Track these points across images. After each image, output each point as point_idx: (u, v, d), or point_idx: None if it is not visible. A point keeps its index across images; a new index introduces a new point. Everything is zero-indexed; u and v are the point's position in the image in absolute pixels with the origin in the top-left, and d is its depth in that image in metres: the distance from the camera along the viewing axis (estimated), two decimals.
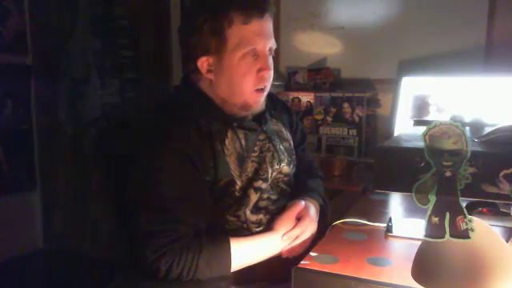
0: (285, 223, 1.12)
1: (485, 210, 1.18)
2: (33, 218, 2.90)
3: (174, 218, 1.01)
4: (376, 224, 1.13)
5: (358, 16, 2.29)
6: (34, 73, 2.83)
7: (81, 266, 2.63)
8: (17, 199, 2.81)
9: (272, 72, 1.13)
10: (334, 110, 2.28)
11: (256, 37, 1.07)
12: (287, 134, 1.29)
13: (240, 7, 1.04)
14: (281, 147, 1.21)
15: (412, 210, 1.24)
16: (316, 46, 2.39)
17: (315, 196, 1.23)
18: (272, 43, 1.11)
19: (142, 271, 1.02)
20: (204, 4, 1.10)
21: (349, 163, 2.15)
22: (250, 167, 1.12)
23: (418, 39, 2.17)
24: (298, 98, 2.36)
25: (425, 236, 0.77)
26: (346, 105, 2.25)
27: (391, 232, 1.07)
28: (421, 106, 2.00)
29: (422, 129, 0.76)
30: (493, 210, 1.18)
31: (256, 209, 1.12)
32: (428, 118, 1.92)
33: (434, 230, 0.76)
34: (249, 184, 1.11)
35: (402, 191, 1.07)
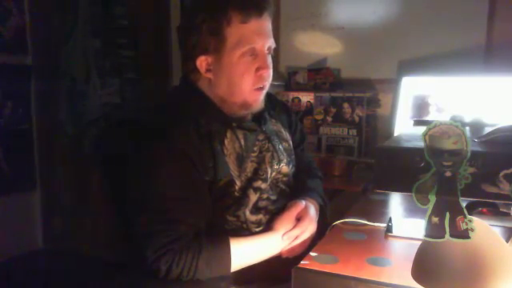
0: (285, 223, 1.12)
1: (485, 209, 1.18)
2: (33, 218, 2.90)
3: (174, 218, 1.01)
4: (376, 224, 1.13)
5: (358, 16, 2.29)
6: (34, 73, 2.83)
7: (81, 265, 2.63)
8: (17, 199, 2.81)
9: (271, 71, 1.13)
10: (333, 110, 2.28)
11: (255, 36, 1.07)
12: (286, 135, 1.29)
13: (238, 6, 1.04)
14: (280, 147, 1.21)
15: (412, 210, 1.24)
16: (316, 46, 2.39)
17: (315, 196, 1.23)
18: (271, 42, 1.11)
19: (141, 271, 1.02)
20: (203, 3, 1.10)
21: (349, 163, 2.15)
22: (250, 167, 1.12)
23: (418, 39, 2.17)
24: (297, 97, 2.36)
25: (425, 236, 0.77)
26: (346, 105, 2.25)
27: (391, 232, 1.07)
28: (421, 106, 2.00)
29: (422, 129, 0.76)
30: (493, 210, 1.18)
31: (255, 209, 1.12)
32: (428, 118, 1.92)
33: (434, 230, 0.76)
34: (248, 184, 1.11)
35: (402, 191, 1.08)
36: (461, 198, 0.75)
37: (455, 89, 1.93)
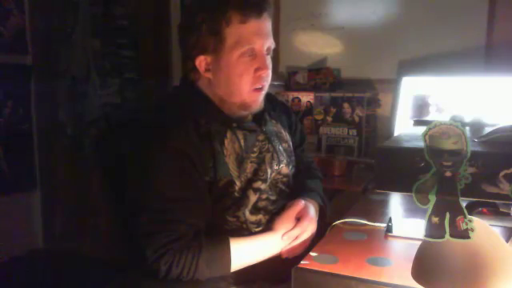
0: (285, 223, 1.12)
1: (485, 209, 1.18)
2: (33, 218, 2.90)
3: (174, 218, 1.01)
4: (376, 224, 1.13)
5: (358, 16, 2.29)
6: (34, 73, 2.83)
7: (81, 265, 2.63)
8: (17, 199, 2.80)
9: (270, 71, 1.12)
10: (333, 110, 2.28)
11: (254, 36, 1.07)
12: (286, 135, 1.28)
13: (238, 7, 1.04)
14: (280, 148, 1.21)
15: (412, 210, 1.24)
16: (316, 45, 2.39)
17: (314, 196, 1.23)
18: (270, 43, 1.11)
19: (142, 271, 1.02)
20: (202, 3, 1.10)
21: (349, 163, 2.15)
22: (249, 168, 1.12)
23: (417, 39, 2.17)
24: (297, 97, 2.35)
25: (425, 236, 0.77)
26: (346, 105, 2.25)
27: (391, 232, 1.07)
28: (421, 106, 1.99)
29: (422, 129, 0.76)
30: (493, 210, 1.18)
31: (255, 209, 1.12)
32: (428, 118, 1.92)
33: (434, 230, 0.76)
34: (248, 185, 1.11)
35: (402, 191, 1.08)
36: (461, 198, 0.75)
37: (455, 89, 1.93)
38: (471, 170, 0.74)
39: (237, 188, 1.09)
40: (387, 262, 0.92)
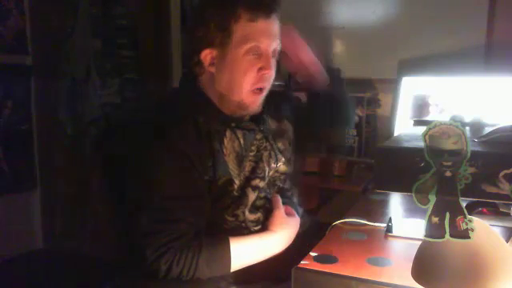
0: (279, 222, 1.13)
1: (485, 209, 1.18)
2: (33, 218, 2.90)
3: (174, 218, 1.01)
4: (376, 224, 1.13)
5: (358, 16, 2.29)
6: (34, 73, 2.82)
7: (81, 265, 2.63)
8: (17, 199, 2.80)
9: (273, 73, 1.13)
10: None
11: (261, 35, 1.07)
12: (288, 133, 1.29)
13: (248, 5, 1.06)
14: (278, 146, 1.22)
15: (412, 210, 1.24)
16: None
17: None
18: (276, 44, 1.12)
19: (142, 271, 1.02)
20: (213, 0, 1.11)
21: (349, 163, 2.15)
22: (248, 166, 1.12)
23: (417, 39, 2.17)
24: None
25: (425, 236, 0.77)
26: None
27: (391, 232, 1.07)
28: (421, 106, 1.99)
29: (422, 129, 0.76)
30: (493, 210, 1.18)
31: (253, 208, 1.12)
32: (428, 118, 1.92)
33: (434, 230, 0.76)
34: (246, 183, 1.11)
35: (402, 191, 1.07)
36: (461, 198, 0.75)
37: (455, 89, 1.93)
38: (471, 169, 0.74)
39: (236, 187, 1.09)
40: (387, 262, 0.92)
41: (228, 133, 1.11)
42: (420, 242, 0.82)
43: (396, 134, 1.91)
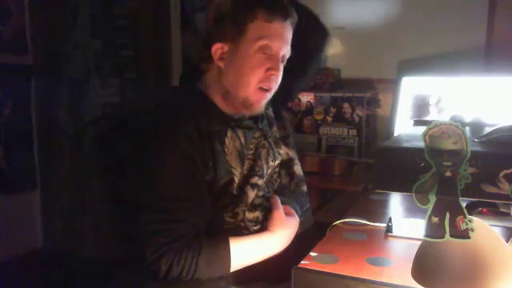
0: (278, 222, 1.12)
1: (485, 209, 1.18)
2: (33, 217, 2.90)
3: (174, 218, 1.01)
4: (376, 224, 1.13)
5: (358, 16, 2.29)
6: (34, 73, 2.83)
7: (81, 266, 2.63)
8: (17, 199, 2.80)
9: (279, 77, 1.13)
10: (334, 110, 2.28)
11: (274, 36, 1.09)
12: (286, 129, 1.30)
13: (266, 6, 1.07)
14: (281, 135, 1.23)
15: (412, 210, 1.24)
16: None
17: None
18: (287, 50, 1.13)
19: (142, 271, 1.02)
20: None
21: (349, 163, 2.16)
22: (246, 164, 1.12)
23: (417, 39, 2.17)
24: (297, 97, 2.36)
25: (425, 236, 0.77)
26: (346, 105, 2.26)
27: (391, 232, 1.07)
28: (421, 106, 2.00)
29: (422, 129, 0.76)
30: (493, 210, 1.18)
31: (252, 206, 1.12)
32: (428, 118, 1.93)
33: (434, 230, 0.76)
34: (245, 181, 1.11)
35: (402, 191, 1.08)
36: (461, 198, 0.75)
37: (455, 89, 1.93)
38: (471, 169, 0.74)
39: (235, 185, 1.09)
40: (387, 262, 0.92)
41: (229, 132, 1.11)
42: (420, 242, 0.82)
43: (396, 133, 1.91)
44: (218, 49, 1.11)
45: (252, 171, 1.12)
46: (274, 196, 1.16)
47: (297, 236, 1.16)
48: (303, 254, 0.94)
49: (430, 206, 0.76)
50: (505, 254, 0.78)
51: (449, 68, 1.99)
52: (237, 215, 1.10)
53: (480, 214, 1.15)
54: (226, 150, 1.09)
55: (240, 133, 1.13)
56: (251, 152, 1.14)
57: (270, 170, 1.17)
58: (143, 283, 1.06)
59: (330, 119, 2.29)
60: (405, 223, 1.16)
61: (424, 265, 0.80)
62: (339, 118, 2.27)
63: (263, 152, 1.16)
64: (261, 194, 1.14)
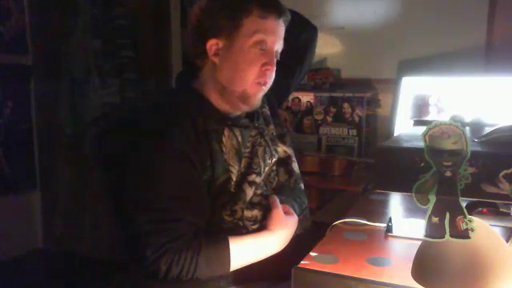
0: (277, 222, 1.12)
1: (485, 209, 1.18)
2: (33, 218, 2.90)
3: (174, 218, 1.01)
4: (376, 224, 1.13)
5: (358, 16, 2.29)
6: (34, 73, 2.82)
7: (81, 266, 2.63)
8: (17, 199, 2.80)
9: (274, 73, 1.13)
10: (333, 110, 2.28)
11: (269, 32, 1.10)
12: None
13: (260, 3, 1.08)
14: (278, 132, 1.24)
15: (412, 210, 1.24)
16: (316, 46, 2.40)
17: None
18: (280, 46, 1.13)
19: (141, 271, 1.02)
20: None
21: (349, 163, 2.15)
22: (243, 162, 1.13)
23: (417, 39, 2.17)
24: (298, 98, 2.36)
25: (425, 236, 0.77)
26: (346, 105, 2.25)
27: (391, 232, 1.07)
28: (421, 106, 2.00)
29: (422, 129, 0.76)
30: (493, 210, 1.18)
31: (250, 204, 1.12)
32: (428, 118, 1.93)
33: (434, 230, 0.76)
34: (243, 179, 1.11)
35: (402, 191, 1.08)
36: (461, 198, 0.75)
37: (455, 89, 1.93)
38: (471, 169, 0.74)
39: (232, 183, 1.10)
40: (387, 262, 0.92)
41: (226, 131, 1.12)
42: (420, 242, 0.82)
43: (396, 133, 1.91)
44: (212, 44, 1.11)
45: (249, 169, 1.13)
46: (272, 195, 1.16)
47: (296, 236, 1.16)
48: (303, 254, 0.94)
49: (430, 206, 0.76)
50: (505, 254, 0.78)
51: (449, 68, 1.99)
52: (235, 213, 1.10)
53: (480, 214, 1.15)
54: (224, 149, 1.10)
55: (237, 131, 1.13)
56: (248, 150, 1.15)
57: (267, 168, 1.18)
58: (143, 283, 1.06)
59: (329, 119, 2.29)
60: (405, 223, 1.16)
61: (424, 265, 0.80)
62: (339, 118, 2.27)
63: (260, 150, 1.17)
64: (259, 192, 1.14)
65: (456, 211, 0.75)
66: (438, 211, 0.75)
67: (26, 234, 2.86)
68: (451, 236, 0.75)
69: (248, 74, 1.10)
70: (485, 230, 0.78)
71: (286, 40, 1.16)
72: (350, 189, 1.97)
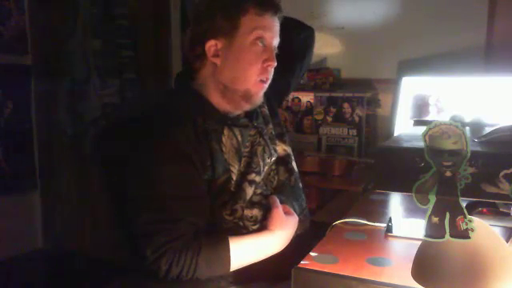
0: (278, 222, 1.12)
1: (485, 209, 1.18)
2: (33, 218, 2.90)
3: (174, 218, 1.01)
4: (376, 224, 1.13)
5: (358, 16, 2.29)
6: (34, 73, 2.82)
7: (81, 266, 2.63)
8: (17, 199, 2.80)
9: (273, 69, 1.14)
10: (333, 110, 2.28)
11: (267, 28, 1.11)
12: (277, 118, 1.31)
13: (257, 1, 1.09)
14: (276, 133, 1.24)
15: (412, 210, 1.24)
16: (316, 45, 2.39)
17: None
18: (277, 41, 1.14)
19: (142, 271, 1.02)
20: None
21: (349, 163, 2.15)
22: (243, 162, 1.13)
23: (417, 39, 2.17)
24: (297, 98, 2.36)
25: (425, 236, 0.77)
26: (346, 105, 2.25)
27: (391, 232, 1.07)
28: (421, 106, 2.00)
29: (422, 129, 0.76)
30: (493, 210, 1.18)
31: (250, 204, 1.12)
32: (428, 118, 1.93)
33: (434, 230, 0.76)
34: (243, 178, 1.11)
35: (402, 191, 1.08)
36: (461, 198, 0.75)
37: (455, 89, 1.93)
38: (471, 169, 0.74)
39: (233, 182, 1.10)
40: (387, 262, 0.92)
41: (226, 131, 1.12)
42: (420, 242, 0.82)
43: (396, 134, 1.91)
44: (211, 46, 1.11)
45: (249, 168, 1.13)
46: (272, 195, 1.16)
47: (296, 236, 1.16)
48: (303, 254, 0.94)
49: (430, 206, 0.76)
50: (505, 254, 0.78)
51: (449, 68, 1.99)
52: (235, 212, 1.10)
53: (480, 214, 1.15)
54: (224, 149, 1.10)
55: (236, 131, 1.13)
56: (247, 149, 1.15)
57: (266, 167, 1.18)
58: (143, 283, 1.06)
59: (329, 119, 2.29)
60: (405, 223, 1.16)
61: (424, 265, 0.80)
62: (339, 118, 2.27)
63: (259, 149, 1.17)
64: (259, 191, 1.14)
65: (456, 211, 0.75)
66: (438, 211, 0.75)
67: (26, 234, 2.86)
68: (451, 236, 0.75)
69: (250, 72, 1.11)
70: (485, 230, 0.78)
71: (286, 39, 1.17)
72: (350, 189, 1.98)
